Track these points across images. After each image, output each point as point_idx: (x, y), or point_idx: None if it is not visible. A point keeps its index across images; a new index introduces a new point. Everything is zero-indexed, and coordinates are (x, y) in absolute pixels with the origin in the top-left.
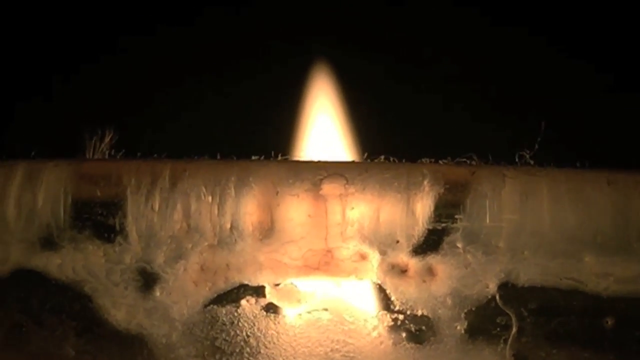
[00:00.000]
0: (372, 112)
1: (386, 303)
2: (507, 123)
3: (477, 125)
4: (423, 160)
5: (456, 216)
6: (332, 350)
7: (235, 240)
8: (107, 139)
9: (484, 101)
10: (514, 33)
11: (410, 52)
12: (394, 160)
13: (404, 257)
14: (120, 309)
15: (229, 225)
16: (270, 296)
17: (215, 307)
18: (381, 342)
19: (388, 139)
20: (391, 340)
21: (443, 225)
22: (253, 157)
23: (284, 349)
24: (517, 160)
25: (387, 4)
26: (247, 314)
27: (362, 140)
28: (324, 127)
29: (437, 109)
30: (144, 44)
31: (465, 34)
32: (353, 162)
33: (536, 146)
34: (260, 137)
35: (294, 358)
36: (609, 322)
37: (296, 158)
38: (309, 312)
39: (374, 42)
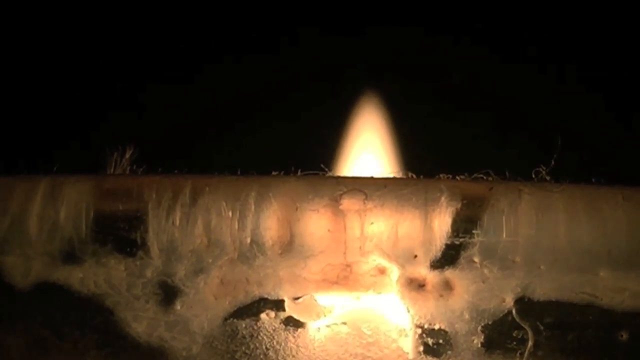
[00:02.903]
0: (396, 125)
1: (404, 317)
2: (523, 139)
3: (494, 142)
4: (441, 176)
5: (473, 231)
6: None
7: (255, 254)
8: (127, 154)
9: (501, 117)
10: (531, 51)
11: (435, 77)
12: (412, 176)
13: (422, 272)
14: (141, 322)
15: (249, 240)
16: (290, 310)
17: (235, 320)
18: (399, 356)
19: (408, 156)
20: (409, 354)
21: (460, 240)
22: (273, 173)
23: None
24: (533, 176)
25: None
26: (267, 328)
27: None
28: (367, 147)
29: (454, 126)
30: (169, 61)
31: (486, 57)
32: (372, 177)
33: (552, 162)
34: (302, 157)
35: None
36: (624, 336)
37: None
38: (328, 326)
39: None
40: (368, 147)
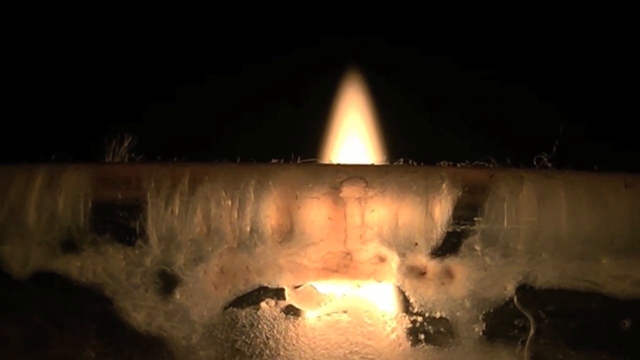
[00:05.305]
0: (395, 115)
1: (405, 305)
2: (525, 126)
3: (496, 129)
4: (442, 163)
5: (474, 219)
6: (351, 352)
7: (255, 243)
8: (126, 143)
9: (502, 104)
10: (533, 36)
11: (431, 58)
12: (413, 164)
13: (422, 260)
14: (141, 312)
15: (248, 229)
16: (290, 298)
17: (235, 309)
18: (400, 344)
19: (409, 143)
20: (410, 342)
21: (461, 227)
22: (273, 161)
23: (303, 351)
24: (535, 163)
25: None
26: (267, 316)
27: (387, 144)
28: (352, 132)
29: (456, 112)
30: (166, 48)
31: (483, 40)
32: (372, 165)
33: (554, 149)
34: (289, 141)
35: None
36: (626, 324)
37: (320, 161)
38: (328, 314)
39: (401, 48)
40: (355, 129)
